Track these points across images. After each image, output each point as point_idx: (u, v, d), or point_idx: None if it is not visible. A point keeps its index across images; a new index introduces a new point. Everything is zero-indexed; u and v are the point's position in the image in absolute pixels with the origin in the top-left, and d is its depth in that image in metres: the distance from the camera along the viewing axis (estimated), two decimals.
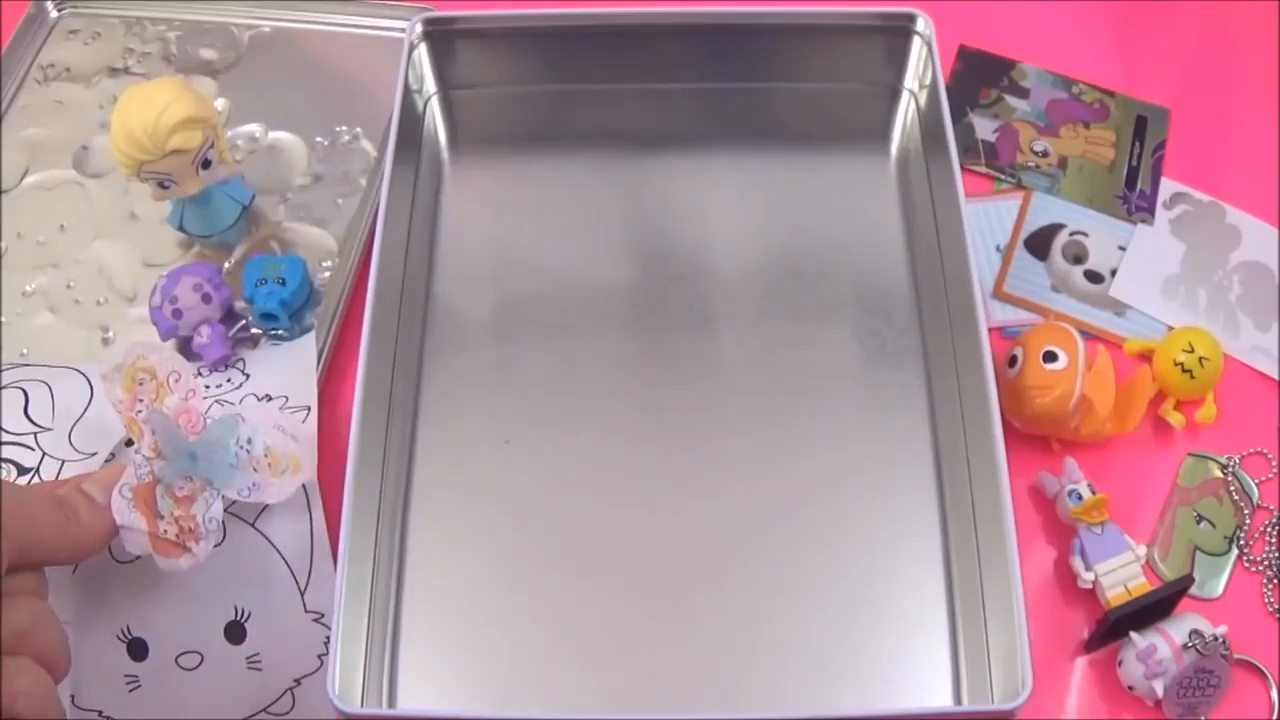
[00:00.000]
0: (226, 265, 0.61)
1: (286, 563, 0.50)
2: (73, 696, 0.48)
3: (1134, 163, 0.65)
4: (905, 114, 0.65)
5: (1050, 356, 0.53)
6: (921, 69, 0.63)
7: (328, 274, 0.61)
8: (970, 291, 0.53)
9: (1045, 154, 0.65)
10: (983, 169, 0.64)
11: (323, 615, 0.49)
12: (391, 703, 0.49)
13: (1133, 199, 0.63)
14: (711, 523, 0.53)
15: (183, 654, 0.48)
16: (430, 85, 0.65)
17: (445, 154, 0.65)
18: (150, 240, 0.62)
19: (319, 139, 0.66)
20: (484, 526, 0.53)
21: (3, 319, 0.59)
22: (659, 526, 0.53)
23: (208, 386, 0.54)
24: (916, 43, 0.63)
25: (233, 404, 0.52)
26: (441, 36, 0.63)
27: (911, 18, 0.62)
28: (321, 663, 0.49)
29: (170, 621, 0.49)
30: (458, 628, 0.51)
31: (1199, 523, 0.54)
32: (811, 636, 0.50)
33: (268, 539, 0.50)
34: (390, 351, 0.56)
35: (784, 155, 0.64)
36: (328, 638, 0.49)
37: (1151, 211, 0.63)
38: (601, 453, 0.55)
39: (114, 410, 0.48)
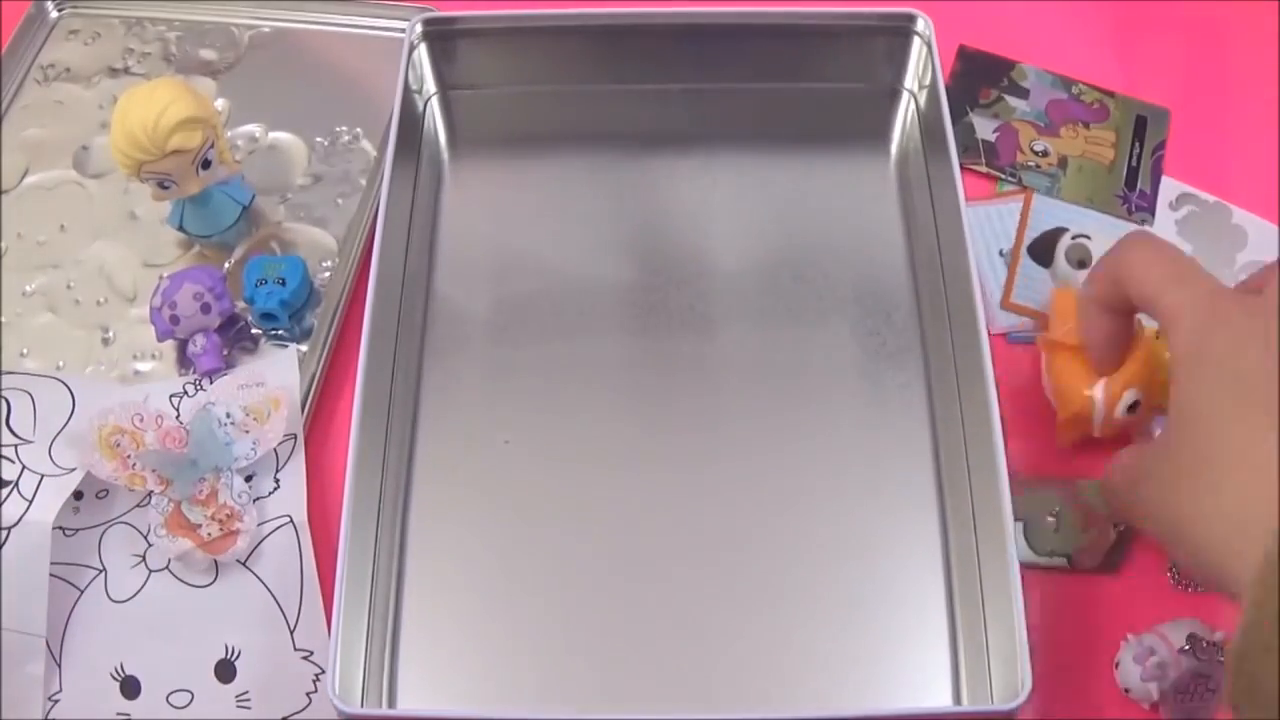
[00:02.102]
0: (226, 265, 0.61)
1: (277, 601, 0.50)
2: None
3: (1134, 163, 0.65)
4: (905, 114, 0.65)
5: (1133, 408, 0.51)
6: (921, 69, 0.63)
7: (328, 274, 0.60)
8: (970, 292, 0.53)
9: (1045, 154, 0.65)
10: (983, 169, 0.64)
11: (312, 653, 0.49)
12: (391, 703, 0.49)
13: (1132, 199, 0.63)
14: (711, 522, 0.53)
15: (173, 692, 0.48)
16: (430, 85, 0.65)
17: (445, 154, 0.65)
18: (150, 240, 0.62)
19: (319, 139, 0.66)
20: (484, 526, 0.53)
21: (3, 319, 0.59)
22: (658, 526, 0.53)
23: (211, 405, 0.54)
24: (916, 43, 0.63)
25: (213, 402, 0.53)
26: (441, 36, 0.63)
27: (911, 18, 0.62)
28: (310, 701, 0.49)
29: (162, 660, 0.49)
30: (458, 628, 0.51)
31: None
32: (811, 636, 0.50)
33: (258, 577, 0.50)
34: (390, 351, 0.56)
35: (784, 155, 0.64)
36: (317, 676, 0.49)
37: (1152, 211, 0.63)
38: (601, 452, 0.55)
39: (114, 483, 0.50)
